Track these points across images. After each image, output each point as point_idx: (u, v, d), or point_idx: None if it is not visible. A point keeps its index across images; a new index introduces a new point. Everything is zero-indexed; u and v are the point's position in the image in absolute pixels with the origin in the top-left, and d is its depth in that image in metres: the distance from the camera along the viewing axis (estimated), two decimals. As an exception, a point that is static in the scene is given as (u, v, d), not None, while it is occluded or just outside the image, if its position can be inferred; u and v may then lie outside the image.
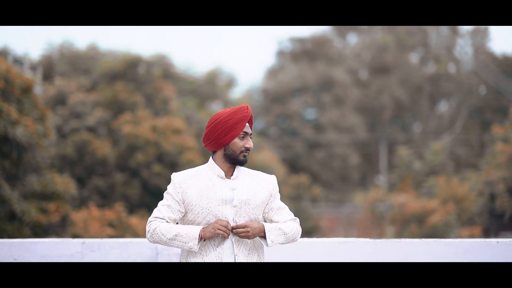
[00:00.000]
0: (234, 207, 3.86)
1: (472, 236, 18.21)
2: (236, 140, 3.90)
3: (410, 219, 20.36)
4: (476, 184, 20.05)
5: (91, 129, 19.44)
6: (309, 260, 4.82)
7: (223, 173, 3.92)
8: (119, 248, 4.91)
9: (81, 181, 18.19)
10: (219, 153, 3.95)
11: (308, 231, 24.16)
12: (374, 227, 24.58)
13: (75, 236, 14.28)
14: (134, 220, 16.24)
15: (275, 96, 37.90)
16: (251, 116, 3.98)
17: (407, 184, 24.27)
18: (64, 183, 14.38)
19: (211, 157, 4.00)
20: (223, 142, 3.89)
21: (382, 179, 32.99)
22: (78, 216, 15.41)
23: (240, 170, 3.98)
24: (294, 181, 27.90)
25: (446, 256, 4.86)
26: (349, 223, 28.53)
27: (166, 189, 3.97)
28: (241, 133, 3.91)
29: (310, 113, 39.36)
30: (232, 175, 3.95)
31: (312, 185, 29.95)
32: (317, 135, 36.82)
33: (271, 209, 4.00)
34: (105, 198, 18.20)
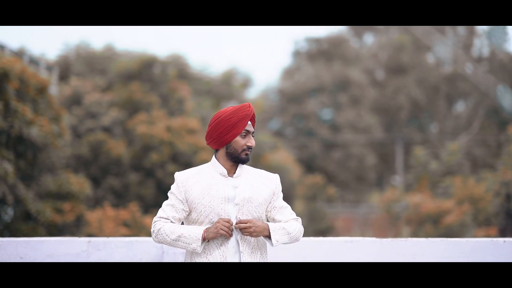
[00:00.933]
0: (237, 205, 3.85)
1: (488, 236, 18.08)
2: (238, 138, 3.88)
3: (425, 219, 20.26)
4: (493, 184, 19.91)
5: (107, 129, 19.50)
6: (315, 260, 4.80)
7: (225, 171, 3.91)
8: (124, 247, 4.91)
9: (96, 181, 18.26)
10: (222, 151, 3.95)
11: (323, 231, 24.11)
12: (390, 227, 24.50)
13: (89, 236, 14.32)
14: (148, 220, 16.27)
15: (291, 96, 37.85)
16: (253, 114, 3.94)
17: (423, 184, 24.15)
18: (79, 183, 14.45)
19: (213, 155, 4.00)
20: (225, 140, 3.88)
21: (398, 179, 32.86)
22: (93, 216, 15.48)
23: (242, 168, 3.97)
24: (309, 181, 27.87)
25: (452, 256, 4.83)
26: (365, 223, 28.46)
27: None
28: (243, 131, 3.88)
29: (326, 113, 39.28)
30: (234, 173, 3.94)
31: (328, 185, 29.91)
32: (333, 135, 36.74)
33: (273, 207, 3.99)
34: (120, 198, 18.25)
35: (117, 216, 16.00)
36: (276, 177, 4.05)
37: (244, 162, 3.93)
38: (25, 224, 12.37)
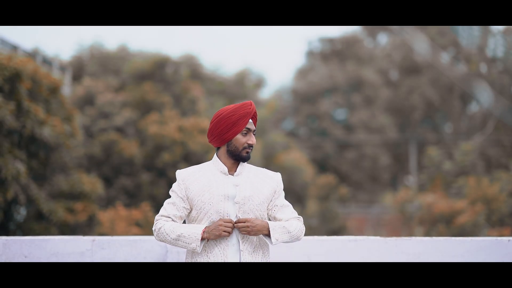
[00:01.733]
0: (237, 203, 3.85)
1: (501, 237, 17.95)
2: (239, 136, 3.88)
3: (438, 219, 20.17)
4: (507, 184, 19.81)
5: (119, 129, 19.53)
6: (318, 259, 4.79)
7: (226, 169, 3.91)
8: (129, 246, 4.92)
9: (108, 181, 18.28)
10: (223, 149, 3.94)
11: (335, 231, 24.03)
12: (403, 227, 24.41)
13: (101, 235, 14.34)
14: (160, 220, 16.23)
15: (304, 97, 37.79)
16: (255, 112, 3.94)
17: (436, 184, 24.06)
18: (91, 183, 14.45)
19: (215, 153, 4.00)
20: (226, 138, 3.88)
21: (411, 180, 32.73)
22: (105, 216, 15.49)
23: (244, 167, 3.96)
24: (322, 181, 27.80)
25: (457, 255, 4.80)
26: (378, 223, 28.37)
27: None
28: (244, 129, 3.88)
29: (340, 114, 39.19)
30: (235, 171, 3.94)
31: (340, 185, 29.82)
32: (347, 136, 36.66)
33: (274, 206, 3.98)
34: (132, 198, 18.26)
35: (129, 216, 16.01)
36: (277, 176, 4.04)
37: (244, 160, 3.92)
38: (37, 224, 12.40)
